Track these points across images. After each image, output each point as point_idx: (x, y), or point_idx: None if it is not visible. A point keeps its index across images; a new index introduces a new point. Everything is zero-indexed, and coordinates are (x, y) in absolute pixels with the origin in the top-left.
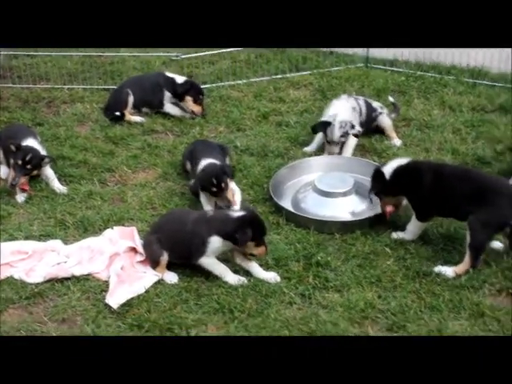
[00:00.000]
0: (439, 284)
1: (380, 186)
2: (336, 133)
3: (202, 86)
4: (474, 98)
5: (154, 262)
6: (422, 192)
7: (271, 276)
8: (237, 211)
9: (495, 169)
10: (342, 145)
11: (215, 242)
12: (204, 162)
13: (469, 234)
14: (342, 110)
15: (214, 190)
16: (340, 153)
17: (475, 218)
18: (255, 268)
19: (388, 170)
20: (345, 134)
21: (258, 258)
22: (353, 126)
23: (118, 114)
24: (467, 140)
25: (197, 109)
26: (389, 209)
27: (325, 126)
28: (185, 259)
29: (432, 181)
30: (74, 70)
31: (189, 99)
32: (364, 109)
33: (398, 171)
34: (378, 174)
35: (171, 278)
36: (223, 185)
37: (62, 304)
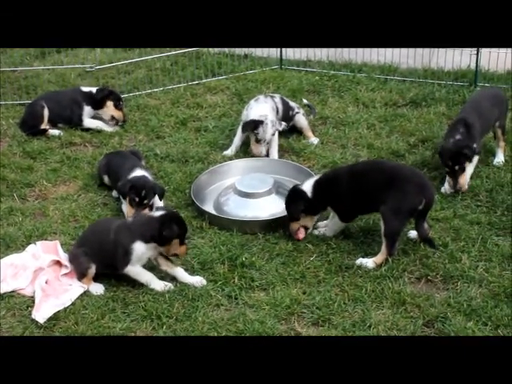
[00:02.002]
0: (361, 276)
1: (305, 205)
2: (269, 131)
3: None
4: (385, 94)
5: (80, 275)
6: (343, 196)
7: (197, 280)
8: (156, 212)
9: (409, 161)
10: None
11: (139, 249)
12: (138, 173)
13: (382, 222)
14: (267, 110)
15: (136, 200)
16: (267, 154)
17: (386, 206)
18: (181, 273)
19: (308, 188)
20: (274, 133)
21: (180, 258)
22: (280, 123)
23: (41, 128)
24: (381, 134)
25: (118, 114)
26: (302, 234)
27: (256, 125)
28: (112, 269)
29: (348, 182)
30: None
31: (110, 104)
32: (280, 106)
33: (318, 186)
34: (300, 195)
35: (97, 289)
36: (145, 201)
37: None
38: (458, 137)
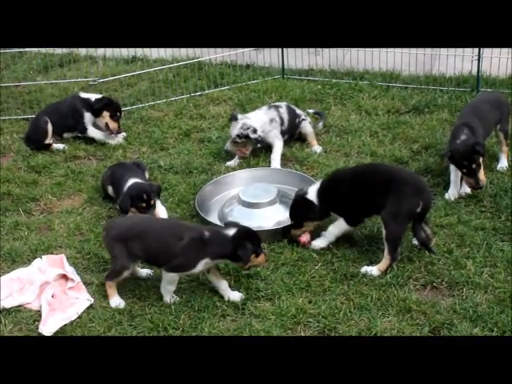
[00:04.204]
0: (366, 284)
1: (310, 212)
2: (234, 131)
3: (121, 109)
4: (388, 101)
5: (115, 272)
6: (345, 199)
7: (237, 296)
8: (229, 229)
9: (412, 168)
10: (246, 148)
11: (202, 265)
12: (131, 181)
13: (383, 227)
14: (256, 117)
15: (144, 206)
16: (244, 157)
17: (386, 210)
18: (224, 286)
19: (312, 195)
20: (243, 136)
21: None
22: (255, 131)
23: (46, 142)
24: (384, 142)
25: (113, 125)
26: (305, 238)
27: (232, 119)
28: (156, 265)
29: (349, 184)
30: None
31: (106, 114)
32: (286, 116)
33: (322, 192)
34: (305, 202)
35: (118, 304)
36: (152, 202)
37: None
38: (463, 137)
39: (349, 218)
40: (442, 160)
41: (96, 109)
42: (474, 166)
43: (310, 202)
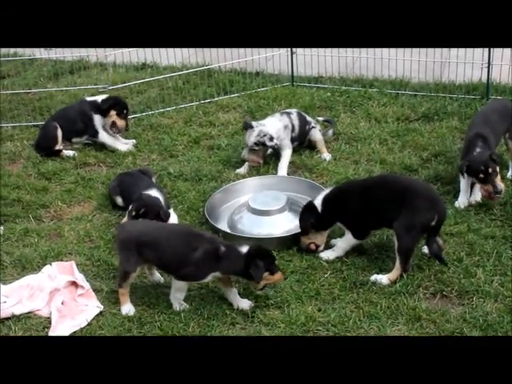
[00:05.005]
0: (376, 292)
1: (314, 219)
2: (251, 138)
3: (131, 116)
4: (397, 109)
5: (123, 274)
6: (353, 211)
7: (247, 304)
8: (243, 246)
9: (422, 176)
10: (259, 156)
11: (212, 277)
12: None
13: (395, 239)
14: (271, 124)
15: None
16: (259, 163)
17: (399, 223)
18: (233, 294)
19: (318, 203)
20: (260, 144)
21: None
22: (271, 139)
23: (56, 149)
24: (394, 149)
25: (120, 123)
26: (313, 245)
27: (246, 127)
28: (166, 271)
29: (359, 197)
30: (2, 108)
31: (113, 113)
32: (297, 123)
33: (327, 201)
34: (310, 208)
35: (129, 311)
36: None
37: None
38: (478, 150)
39: (356, 231)
40: (462, 173)
41: (104, 109)
42: (490, 172)
43: (315, 208)
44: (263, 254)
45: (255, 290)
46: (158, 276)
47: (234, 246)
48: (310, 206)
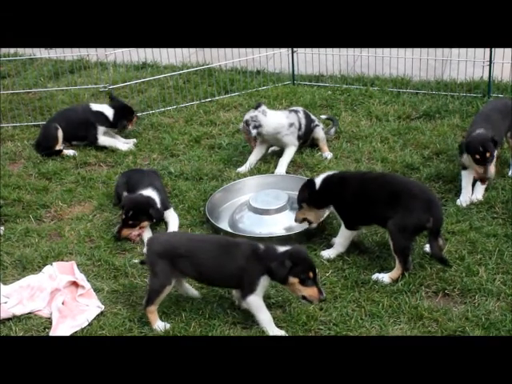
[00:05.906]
0: (378, 291)
1: (309, 195)
2: (246, 116)
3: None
4: (398, 107)
5: (154, 292)
6: (347, 200)
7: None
8: (283, 247)
9: (424, 174)
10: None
11: (264, 282)
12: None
13: (390, 239)
14: (273, 118)
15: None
16: (249, 140)
17: (392, 223)
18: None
19: (318, 180)
20: (246, 125)
21: (314, 303)
22: (256, 127)
23: (56, 149)
24: (395, 148)
25: (131, 126)
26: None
27: (256, 106)
28: (207, 283)
29: (354, 188)
30: (2, 108)
31: (129, 123)
32: (304, 121)
33: (326, 181)
34: (309, 184)
35: (162, 327)
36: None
37: None
38: (480, 130)
39: (346, 220)
40: (461, 153)
41: (124, 125)
42: (487, 154)
43: (314, 185)
44: (297, 257)
45: (298, 297)
46: (191, 289)
47: (272, 246)
48: (310, 181)
